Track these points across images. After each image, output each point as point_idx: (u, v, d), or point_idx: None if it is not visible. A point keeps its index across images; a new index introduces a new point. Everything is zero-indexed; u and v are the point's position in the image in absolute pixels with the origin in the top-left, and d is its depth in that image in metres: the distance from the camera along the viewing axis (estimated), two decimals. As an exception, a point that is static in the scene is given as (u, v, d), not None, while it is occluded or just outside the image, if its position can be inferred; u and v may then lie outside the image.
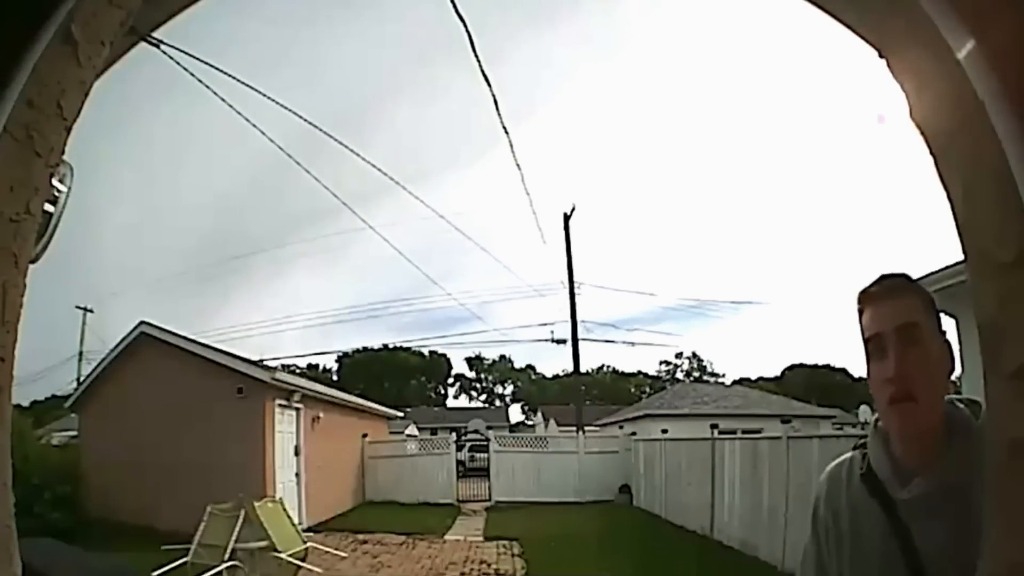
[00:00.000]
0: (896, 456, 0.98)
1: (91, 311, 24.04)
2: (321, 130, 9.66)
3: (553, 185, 36.96)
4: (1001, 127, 0.57)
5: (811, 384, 41.91)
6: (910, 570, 0.91)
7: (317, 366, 49.50)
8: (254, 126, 8.47)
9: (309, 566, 6.27)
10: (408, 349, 53.76)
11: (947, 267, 4.61)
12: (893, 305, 0.99)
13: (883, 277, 1.06)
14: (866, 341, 1.00)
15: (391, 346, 53.83)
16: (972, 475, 0.81)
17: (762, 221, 67.43)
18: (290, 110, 8.70)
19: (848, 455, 1.09)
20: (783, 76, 47.29)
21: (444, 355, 58.51)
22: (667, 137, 65.66)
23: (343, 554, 7.93)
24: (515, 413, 49.03)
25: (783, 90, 48.69)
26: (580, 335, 20.85)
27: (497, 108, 8.71)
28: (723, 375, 57.35)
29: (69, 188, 0.77)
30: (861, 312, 1.04)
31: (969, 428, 0.92)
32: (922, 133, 0.74)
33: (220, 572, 5.64)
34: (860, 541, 0.98)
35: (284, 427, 11.25)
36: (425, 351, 55.01)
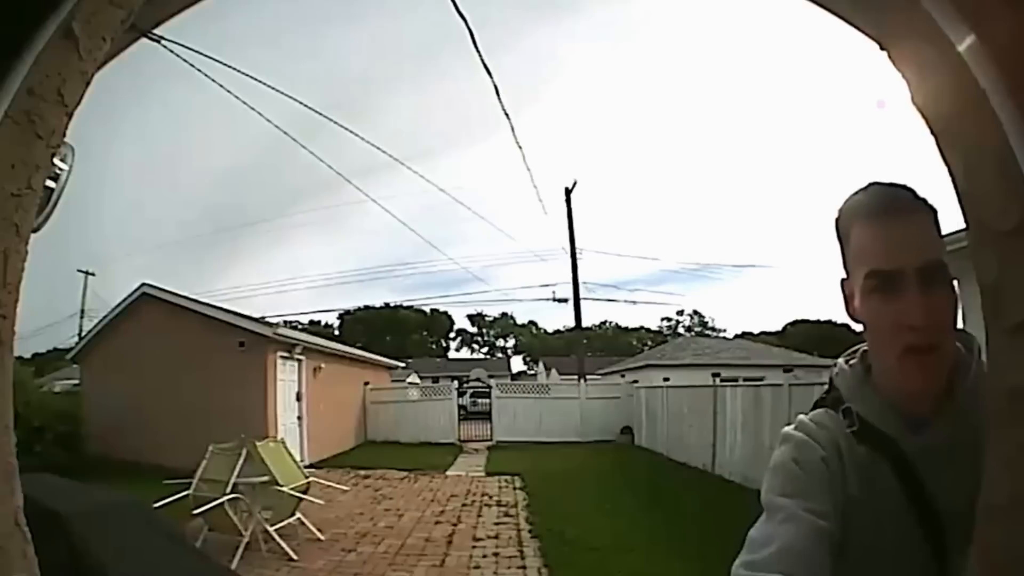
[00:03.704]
0: (897, 404, 0.84)
1: (93, 274, 24.16)
2: (322, 115, 10.08)
3: (555, 162, 36.62)
4: (1003, 115, 0.59)
5: (813, 338, 42.11)
6: (924, 523, 0.81)
7: (319, 322, 49.88)
8: (255, 111, 8.65)
9: (311, 498, 6.30)
10: (410, 308, 54.03)
11: (949, 234, 4.78)
12: (910, 233, 0.81)
13: (877, 185, 0.85)
14: (870, 273, 0.81)
15: (393, 305, 54.11)
16: (978, 412, 0.76)
17: (764, 186, 67.18)
18: (292, 97, 9.07)
19: (803, 419, 0.92)
20: (782, 46, 45.93)
21: (446, 312, 58.90)
22: (669, 108, 64.96)
23: (345, 488, 8.00)
24: (517, 363, 49.65)
25: (781, 58, 47.42)
26: (582, 295, 20.73)
27: (498, 95, 9.12)
28: (725, 330, 57.84)
29: (70, 166, 0.83)
30: (847, 228, 0.86)
31: (968, 363, 0.83)
32: (923, 116, 0.75)
33: (222, 503, 5.65)
34: (874, 508, 0.83)
35: (286, 376, 11.43)
36: (427, 309, 55.41)
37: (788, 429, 0.92)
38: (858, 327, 0.90)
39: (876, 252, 0.81)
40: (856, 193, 0.87)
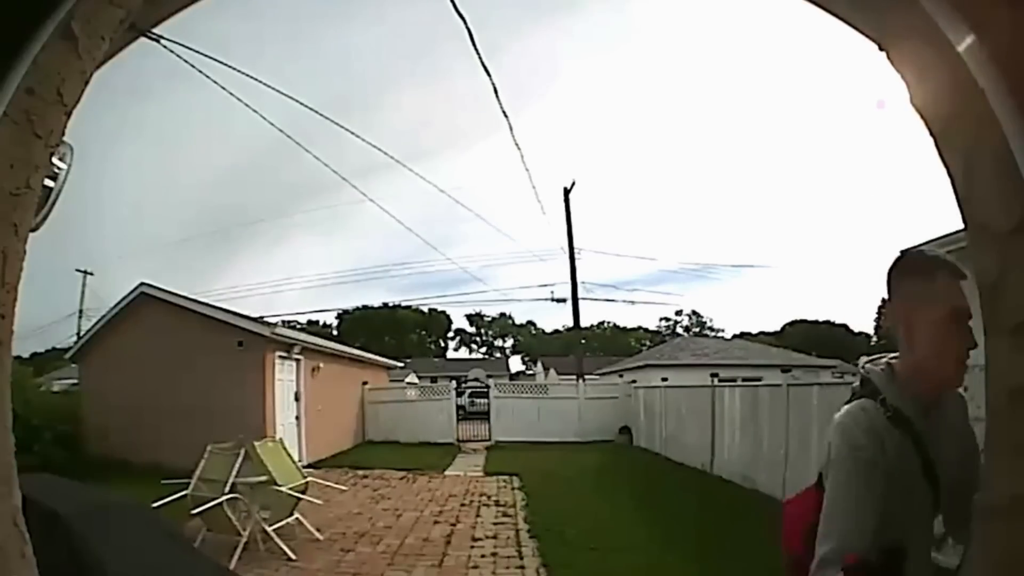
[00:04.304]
0: (915, 397, 1.22)
1: (91, 274, 24.15)
2: (321, 115, 10.04)
3: (554, 162, 36.73)
4: (1002, 115, 0.60)
5: (811, 338, 42.13)
6: (929, 482, 1.18)
7: (317, 322, 49.83)
8: (256, 112, 8.81)
9: (309, 498, 6.29)
10: (408, 307, 53.96)
11: (947, 235, 4.93)
12: (962, 288, 1.18)
13: (944, 257, 1.24)
14: (953, 310, 1.17)
15: (391, 304, 54.07)
16: (953, 403, 1.26)
17: (763, 186, 67.52)
18: (291, 97, 9.06)
19: (851, 407, 1.24)
20: (782, 46, 45.92)
21: (444, 312, 58.78)
22: (668, 108, 65.43)
23: (343, 487, 7.99)
24: (515, 363, 49.32)
25: (781, 59, 47.38)
26: (580, 295, 20.79)
27: (497, 96, 8.99)
28: (723, 330, 57.89)
29: (69, 166, 0.83)
30: (927, 275, 1.22)
31: None
32: (922, 117, 0.78)
33: (220, 503, 5.64)
34: (903, 474, 1.16)
35: (284, 376, 11.44)
36: (425, 308, 55.38)
37: (842, 419, 1.23)
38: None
39: (958, 298, 1.18)
40: (931, 257, 1.24)
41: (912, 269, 1.26)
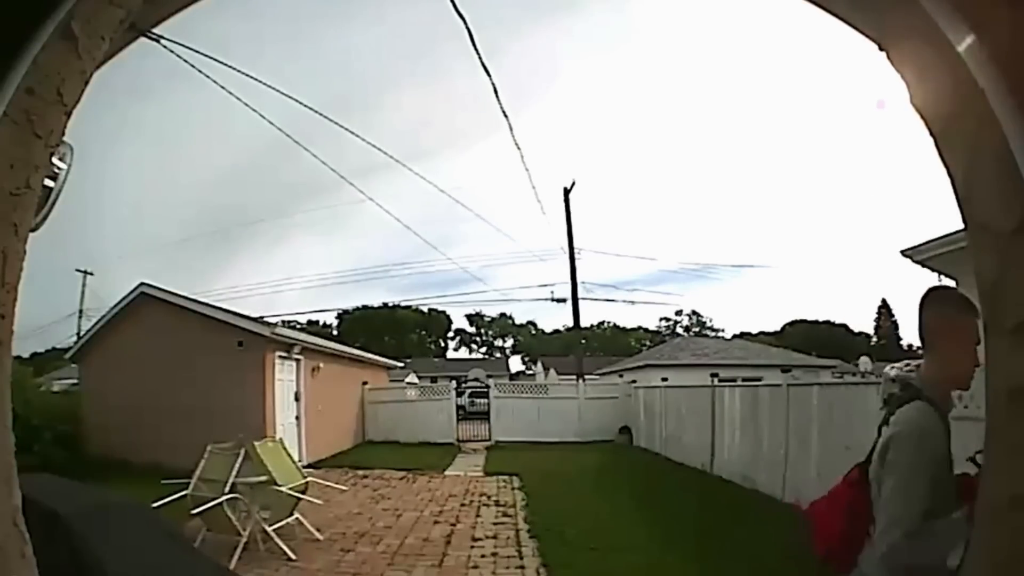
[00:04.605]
0: (942, 395, 1.53)
1: (91, 274, 24.16)
2: (321, 114, 10.10)
3: (554, 162, 36.79)
4: (1002, 114, 0.59)
5: (811, 338, 42.18)
6: (950, 466, 1.45)
7: (317, 322, 49.84)
8: (255, 111, 8.69)
9: (309, 498, 6.29)
10: (408, 307, 53.97)
11: (949, 234, 4.86)
12: (976, 323, 1.39)
13: (957, 293, 1.61)
14: (970, 338, 1.42)
15: (391, 304, 54.07)
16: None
17: (763, 186, 67.59)
18: (291, 97, 9.13)
19: (910, 408, 1.50)
20: (782, 47, 45.87)
21: (444, 312, 58.77)
22: (668, 108, 65.52)
23: (343, 487, 7.99)
24: (515, 363, 49.22)
25: (781, 59, 47.33)
26: (580, 295, 20.80)
27: (497, 96, 9.04)
28: (723, 330, 57.93)
29: (69, 166, 0.83)
30: (951, 310, 1.51)
31: None
32: (922, 117, 0.78)
33: (220, 503, 5.63)
34: (946, 459, 1.45)
35: (284, 376, 11.44)
36: (425, 308, 55.40)
37: (908, 418, 1.49)
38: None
39: (974, 331, 1.38)
40: (956, 295, 1.56)
41: (942, 303, 1.57)
